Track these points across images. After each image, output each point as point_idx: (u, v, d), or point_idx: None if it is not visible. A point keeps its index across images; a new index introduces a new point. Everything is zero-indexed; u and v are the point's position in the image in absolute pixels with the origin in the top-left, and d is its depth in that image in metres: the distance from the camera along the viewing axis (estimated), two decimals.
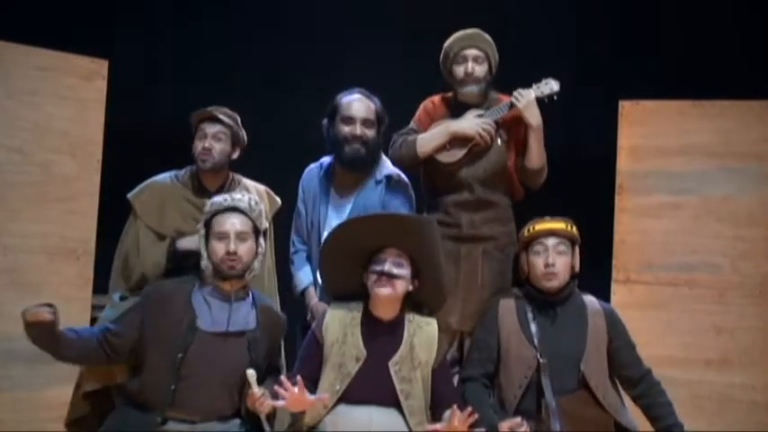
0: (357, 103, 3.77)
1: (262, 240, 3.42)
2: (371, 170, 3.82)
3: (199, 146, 3.70)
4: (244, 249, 3.32)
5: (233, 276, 3.33)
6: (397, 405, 3.23)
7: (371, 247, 3.27)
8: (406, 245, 3.27)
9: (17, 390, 3.98)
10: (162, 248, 3.62)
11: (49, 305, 3.13)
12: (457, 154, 3.65)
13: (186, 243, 3.61)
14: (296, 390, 3.05)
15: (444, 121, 3.72)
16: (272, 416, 3.25)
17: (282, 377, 3.17)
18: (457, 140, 3.65)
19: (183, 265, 3.58)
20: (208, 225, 3.37)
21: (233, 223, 3.33)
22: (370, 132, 3.76)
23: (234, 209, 3.35)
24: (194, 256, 3.49)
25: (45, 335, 3.15)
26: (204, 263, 3.35)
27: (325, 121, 3.81)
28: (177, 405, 3.22)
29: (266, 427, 3.19)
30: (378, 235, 3.26)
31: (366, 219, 3.39)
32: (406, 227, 3.29)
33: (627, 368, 3.43)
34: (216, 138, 3.70)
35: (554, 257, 3.40)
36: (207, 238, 3.37)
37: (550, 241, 3.43)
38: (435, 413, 3.27)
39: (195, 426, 3.22)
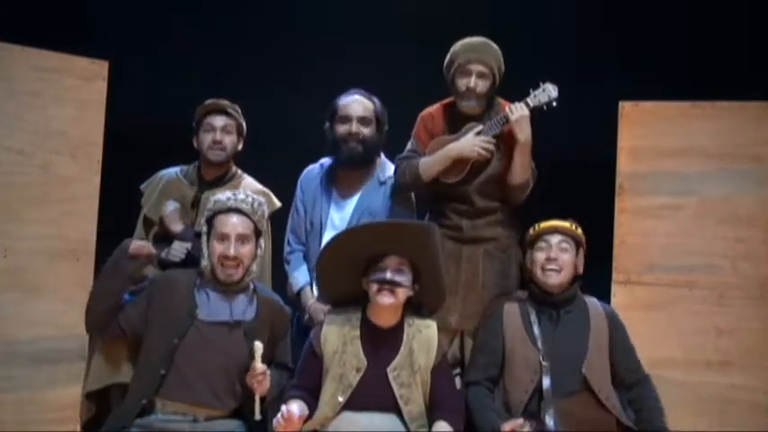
0: (354, 103, 3.80)
1: (262, 242, 3.42)
2: (372, 169, 3.84)
3: (208, 138, 3.76)
4: (244, 252, 3.32)
5: (230, 282, 3.33)
6: (397, 411, 3.22)
7: (371, 255, 3.25)
8: (407, 251, 3.25)
9: (19, 391, 3.96)
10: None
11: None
12: (459, 173, 3.62)
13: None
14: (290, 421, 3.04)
15: (444, 139, 3.66)
16: (264, 399, 3.22)
17: (284, 407, 3.10)
18: (458, 161, 3.62)
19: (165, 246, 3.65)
20: (210, 223, 3.37)
21: (234, 225, 3.32)
22: (368, 130, 3.78)
23: (236, 210, 3.34)
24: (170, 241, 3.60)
25: (126, 274, 3.30)
26: (204, 263, 3.36)
27: (326, 124, 3.84)
28: (168, 392, 3.22)
29: (257, 410, 3.15)
30: (378, 243, 3.24)
31: (366, 227, 3.38)
32: (407, 234, 3.26)
33: (623, 372, 3.43)
34: (225, 131, 3.78)
35: (556, 253, 3.43)
36: (208, 236, 3.36)
37: (554, 238, 3.46)
38: (435, 412, 3.27)
39: (196, 425, 3.22)
